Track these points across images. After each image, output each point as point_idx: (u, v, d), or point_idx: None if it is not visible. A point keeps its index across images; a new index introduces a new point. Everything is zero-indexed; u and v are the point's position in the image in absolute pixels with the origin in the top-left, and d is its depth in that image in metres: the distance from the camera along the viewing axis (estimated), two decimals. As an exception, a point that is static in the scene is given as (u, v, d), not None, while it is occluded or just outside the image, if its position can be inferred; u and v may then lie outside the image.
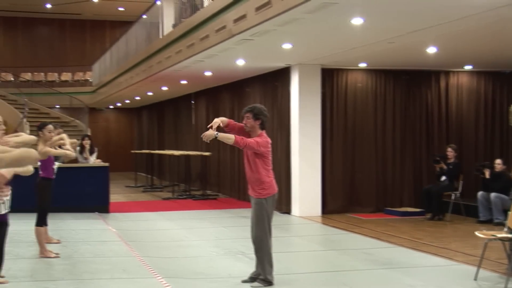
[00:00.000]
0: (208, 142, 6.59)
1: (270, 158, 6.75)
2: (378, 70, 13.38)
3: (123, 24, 24.67)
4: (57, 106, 26.15)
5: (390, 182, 13.42)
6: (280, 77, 13.40)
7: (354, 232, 10.62)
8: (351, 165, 13.22)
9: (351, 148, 13.23)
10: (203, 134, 6.41)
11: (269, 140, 6.75)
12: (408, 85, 13.57)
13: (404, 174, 13.50)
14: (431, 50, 10.77)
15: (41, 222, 8.39)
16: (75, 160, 13.64)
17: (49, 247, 8.55)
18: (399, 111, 13.53)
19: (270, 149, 6.75)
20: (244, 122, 6.74)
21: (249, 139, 6.56)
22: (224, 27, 9.98)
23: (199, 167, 18.37)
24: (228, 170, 16.54)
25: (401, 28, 8.82)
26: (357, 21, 8.26)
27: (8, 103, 21.45)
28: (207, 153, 16.68)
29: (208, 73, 14.45)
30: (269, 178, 6.70)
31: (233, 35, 9.67)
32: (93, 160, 13.54)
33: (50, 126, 8.50)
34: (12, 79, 26.47)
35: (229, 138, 6.48)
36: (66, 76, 27.37)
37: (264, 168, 6.65)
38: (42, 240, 8.37)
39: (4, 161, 3.15)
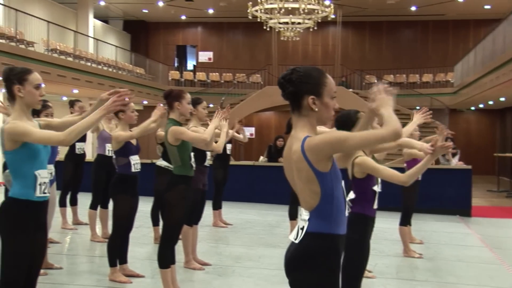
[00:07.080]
0: None
1: None
2: None
3: (488, 23, 23.86)
4: (417, 108, 26.26)
5: None
6: None
7: None
8: None
9: None
10: None
11: None
12: None
13: None
14: None
15: (405, 221, 8.47)
16: (436, 162, 13.60)
17: (412, 247, 8.60)
18: None
19: None
20: None
21: None
22: None
23: None
24: None
25: None
26: None
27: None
28: None
29: None
30: None
31: None
32: (455, 163, 13.35)
33: None
34: (375, 81, 27.52)
35: None
36: (427, 78, 27.44)
37: None
38: (406, 240, 8.44)
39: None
